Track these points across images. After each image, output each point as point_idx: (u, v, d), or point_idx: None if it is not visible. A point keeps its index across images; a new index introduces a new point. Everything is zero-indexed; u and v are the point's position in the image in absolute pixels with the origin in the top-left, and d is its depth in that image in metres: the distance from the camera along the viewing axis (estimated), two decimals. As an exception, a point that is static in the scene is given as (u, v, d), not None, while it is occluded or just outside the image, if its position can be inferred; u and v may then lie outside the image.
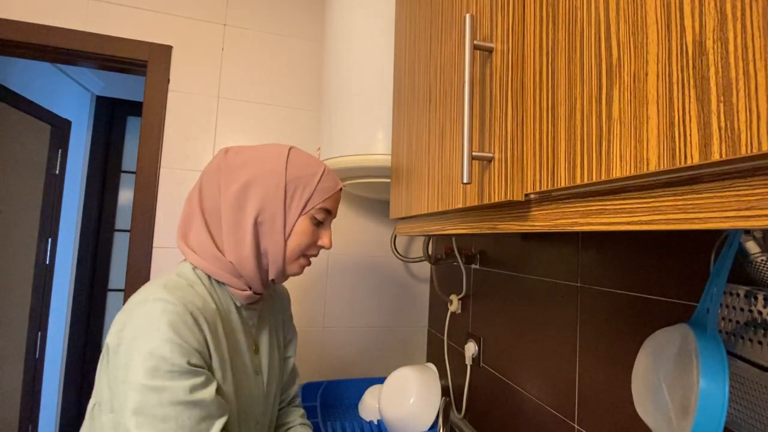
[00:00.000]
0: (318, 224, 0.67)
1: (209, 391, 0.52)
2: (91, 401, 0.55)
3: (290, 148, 0.67)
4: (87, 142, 2.55)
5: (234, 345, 0.62)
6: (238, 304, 0.65)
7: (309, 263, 0.69)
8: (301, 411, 0.84)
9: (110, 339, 0.52)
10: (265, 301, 0.74)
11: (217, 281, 0.63)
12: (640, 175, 0.27)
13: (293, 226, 0.64)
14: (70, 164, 2.41)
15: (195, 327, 0.53)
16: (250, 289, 0.64)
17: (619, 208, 0.30)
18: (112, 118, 2.65)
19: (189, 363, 0.50)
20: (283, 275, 0.67)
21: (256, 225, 0.62)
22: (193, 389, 0.50)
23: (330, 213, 0.69)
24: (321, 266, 1.41)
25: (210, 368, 0.55)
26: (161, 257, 1.27)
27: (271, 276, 0.65)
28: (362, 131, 1.00)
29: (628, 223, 0.29)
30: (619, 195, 0.30)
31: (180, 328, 0.51)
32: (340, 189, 0.70)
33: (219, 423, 0.52)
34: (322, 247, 0.69)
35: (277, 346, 0.76)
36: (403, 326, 1.48)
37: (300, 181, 0.64)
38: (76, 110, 2.45)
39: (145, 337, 0.49)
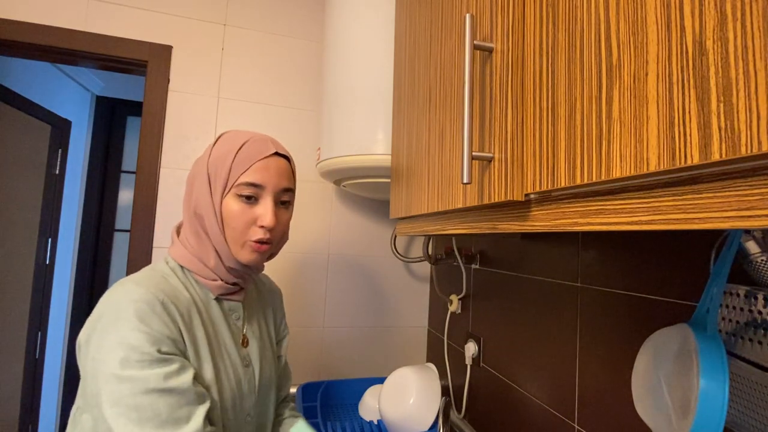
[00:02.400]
0: (249, 201, 0.60)
1: (185, 378, 0.51)
2: (74, 406, 0.55)
3: (223, 133, 0.66)
4: (87, 142, 2.55)
5: (215, 335, 0.61)
6: (213, 296, 0.64)
7: (263, 248, 0.61)
8: (292, 405, 0.83)
9: (81, 335, 0.52)
10: (252, 294, 0.74)
11: (191, 272, 0.63)
12: (640, 175, 0.27)
13: (221, 211, 0.60)
14: (70, 164, 2.41)
15: (165, 315, 0.52)
16: (219, 278, 0.63)
17: (619, 208, 0.30)
18: (112, 118, 2.65)
19: (159, 351, 0.50)
20: (241, 264, 0.63)
21: (198, 218, 0.61)
22: (167, 377, 0.49)
23: (259, 186, 0.60)
24: (321, 266, 1.41)
25: (185, 356, 0.55)
26: (161, 257, 1.27)
27: (227, 264, 0.62)
28: (362, 131, 1.00)
29: (628, 223, 0.29)
30: (619, 195, 0.30)
31: (148, 317, 0.50)
32: (272, 155, 0.62)
33: (201, 409, 0.51)
34: (262, 226, 0.60)
35: (269, 340, 0.75)
36: (403, 326, 1.48)
37: (218, 161, 0.61)
38: (76, 110, 2.45)
39: (114, 328, 0.49)
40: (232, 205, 0.60)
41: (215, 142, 0.64)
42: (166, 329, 0.52)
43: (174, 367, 0.51)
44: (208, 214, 0.60)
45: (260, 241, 0.61)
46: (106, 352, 0.48)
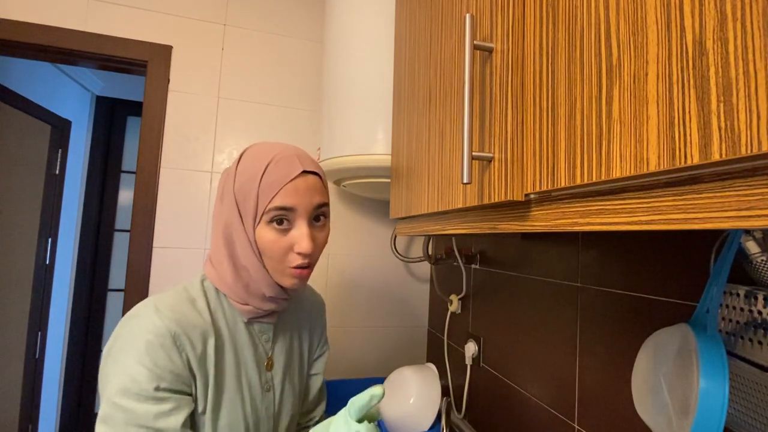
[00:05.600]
0: (282, 226, 0.56)
1: (173, 421, 0.51)
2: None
3: (245, 150, 0.60)
4: (87, 142, 2.55)
5: (236, 362, 0.60)
6: (245, 320, 0.62)
7: (304, 273, 0.59)
8: None
9: (105, 348, 0.54)
10: (287, 312, 0.70)
11: (224, 294, 0.61)
12: (640, 175, 0.27)
13: (255, 240, 0.57)
14: (70, 164, 2.41)
15: (173, 349, 0.52)
16: (250, 304, 0.61)
17: (619, 208, 0.30)
18: (112, 118, 2.65)
19: (157, 389, 0.50)
20: (285, 290, 0.61)
21: (229, 247, 0.58)
22: (157, 416, 0.50)
23: (290, 210, 0.55)
24: (321, 266, 1.41)
25: (190, 389, 0.54)
26: (161, 257, 1.27)
27: (268, 294, 0.60)
28: (362, 131, 1.00)
29: (628, 223, 0.29)
30: (619, 195, 0.30)
31: (155, 351, 0.51)
32: (299, 175, 0.56)
33: None
34: (299, 253, 0.57)
35: (299, 361, 0.71)
36: (403, 326, 1.48)
37: (244, 188, 0.56)
38: (76, 110, 2.45)
39: (123, 355, 0.51)
40: (266, 234, 0.56)
41: (239, 161, 0.59)
42: (170, 364, 0.52)
43: (166, 407, 0.51)
44: (243, 245, 0.58)
45: (300, 267, 0.57)
46: (113, 376, 0.50)
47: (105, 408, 0.49)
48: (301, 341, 0.72)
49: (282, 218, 0.56)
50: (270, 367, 0.65)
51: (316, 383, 0.76)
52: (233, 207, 0.57)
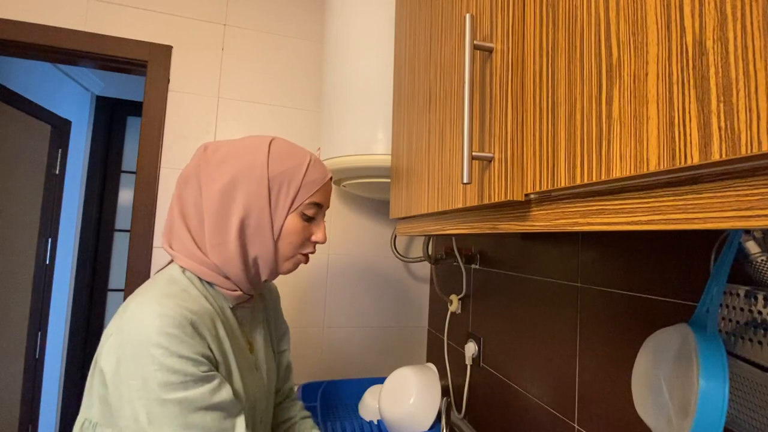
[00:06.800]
0: (308, 219, 0.63)
1: (227, 392, 0.52)
2: (80, 418, 0.53)
3: (271, 140, 0.63)
4: (87, 142, 2.55)
5: (235, 344, 0.61)
6: (231, 305, 0.63)
7: (306, 260, 0.66)
8: (300, 404, 0.83)
9: (106, 359, 0.49)
10: (256, 299, 0.73)
11: (208, 282, 0.60)
12: (640, 175, 0.27)
13: (282, 226, 0.61)
14: (70, 164, 2.41)
15: (195, 335, 0.52)
16: (240, 289, 0.62)
17: (619, 208, 0.30)
18: (112, 118, 2.65)
19: (200, 370, 0.50)
20: (276, 275, 0.65)
21: (242, 227, 0.58)
22: (212, 393, 0.50)
23: (321, 206, 0.64)
24: (321, 266, 1.41)
25: (218, 370, 0.55)
26: (161, 257, 1.27)
27: (263, 278, 0.63)
28: (362, 131, 1.00)
29: (628, 223, 0.29)
30: (619, 195, 0.30)
31: (182, 341, 0.49)
32: (330, 178, 0.66)
33: (241, 419, 0.53)
34: (316, 242, 0.65)
35: (270, 341, 0.75)
36: (403, 326, 1.48)
37: (284, 176, 0.60)
38: (76, 110, 2.45)
39: (148, 355, 0.47)
40: (295, 222, 0.61)
41: (268, 151, 0.61)
42: (200, 347, 0.51)
43: (216, 382, 0.51)
44: (263, 227, 0.59)
45: (307, 254, 0.65)
46: (143, 379, 0.47)
47: (152, 409, 0.46)
48: (268, 323, 0.76)
49: (314, 215, 0.63)
50: (251, 349, 0.67)
51: (285, 359, 0.80)
52: (261, 191, 0.59)
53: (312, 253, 0.66)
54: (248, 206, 0.58)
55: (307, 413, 0.82)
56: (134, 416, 0.47)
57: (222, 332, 0.58)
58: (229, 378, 0.57)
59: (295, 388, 0.86)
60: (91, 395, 0.52)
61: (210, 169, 0.59)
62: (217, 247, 0.58)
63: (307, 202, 0.62)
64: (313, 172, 0.63)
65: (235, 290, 0.61)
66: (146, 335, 0.48)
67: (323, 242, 0.65)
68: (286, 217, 0.61)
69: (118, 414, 0.49)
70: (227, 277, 0.60)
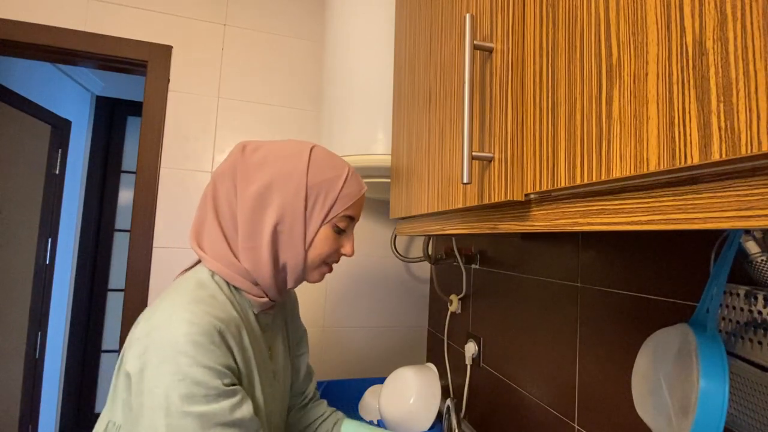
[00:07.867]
0: (339, 232, 0.63)
1: (248, 408, 0.51)
2: (104, 417, 0.52)
3: (312, 147, 0.62)
4: (87, 142, 2.55)
5: (258, 352, 0.60)
6: (256, 311, 0.62)
7: (330, 270, 0.65)
8: (325, 402, 0.83)
9: (131, 363, 0.48)
10: (277, 303, 0.72)
11: (235, 287, 0.59)
12: (640, 175, 0.27)
13: (314, 236, 0.60)
14: (70, 164, 2.41)
15: (222, 345, 0.50)
16: (267, 296, 0.61)
17: (619, 208, 0.30)
18: (112, 118, 2.65)
19: (224, 384, 0.49)
20: (300, 282, 0.64)
21: (275, 233, 0.58)
22: (233, 409, 0.49)
23: (353, 219, 0.64)
24: (321, 266, 1.41)
25: (240, 382, 0.54)
26: (161, 257, 1.27)
27: (289, 285, 0.62)
28: (362, 131, 1.00)
29: (628, 223, 0.29)
30: (619, 195, 0.30)
31: (209, 350, 0.48)
32: (364, 192, 0.66)
33: None
34: (344, 254, 0.65)
35: (288, 347, 0.74)
36: (403, 326, 1.48)
37: (322, 186, 0.59)
38: (76, 110, 2.45)
39: (174, 363, 0.46)
40: (327, 232, 0.61)
41: (309, 159, 0.60)
42: (224, 358, 0.50)
43: (238, 398, 0.50)
44: (295, 236, 0.58)
45: (332, 264, 0.65)
46: (168, 388, 0.46)
47: (172, 422, 0.46)
48: (287, 327, 0.76)
49: (346, 225, 0.63)
50: (271, 356, 0.66)
51: (304, 361, 0.80)
52: (299, 199, 0.58)
53: (336, 262, 0.66)
54: (283, 212, 0.57)
55: (334, 409, 0.82)
56: (153, 426, 0.47)
57: (246, 341, 0.56)
58: (251, 389, 0.56)
59: (317, 391, 0.85)
60: (115, 397, 0.51)
61: (247, 170, 0.58)
62: (249, 251, 0.57)
63: (341, 214, 0.61)
64: (351, 185, 0.62)
65: (263, 297, 0.60)
66: (173, 342, 0.47)
67: (351, 255, 0.65)
68: (319, 227, 0.60)
69: (138, 421, 0.48)
70: (256, 283, 0.59)
